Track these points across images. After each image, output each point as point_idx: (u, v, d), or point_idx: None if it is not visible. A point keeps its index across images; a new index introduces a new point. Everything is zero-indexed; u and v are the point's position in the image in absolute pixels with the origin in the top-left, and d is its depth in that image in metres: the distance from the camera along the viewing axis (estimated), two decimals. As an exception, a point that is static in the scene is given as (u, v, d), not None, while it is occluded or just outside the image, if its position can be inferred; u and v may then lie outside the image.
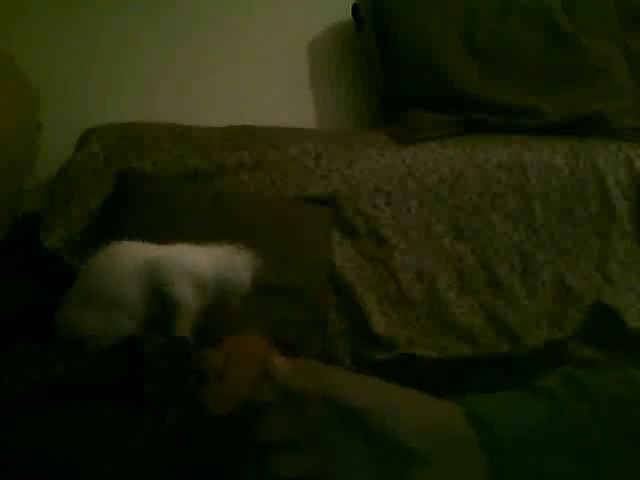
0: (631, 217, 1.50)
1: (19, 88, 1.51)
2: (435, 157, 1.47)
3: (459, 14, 1.63)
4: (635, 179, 1.51)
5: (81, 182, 1.32)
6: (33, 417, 0.73)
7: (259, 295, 1.02)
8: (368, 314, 1.32)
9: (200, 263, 0.95)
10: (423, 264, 1.40)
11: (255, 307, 1.01)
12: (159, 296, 0.94)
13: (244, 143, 1.42)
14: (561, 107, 1.57)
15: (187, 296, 0.92)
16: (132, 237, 1.16)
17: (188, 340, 0.90)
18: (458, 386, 0.56)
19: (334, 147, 1.46)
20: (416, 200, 1.43)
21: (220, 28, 1.67)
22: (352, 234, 1.39)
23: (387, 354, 1.29)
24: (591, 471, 0.33)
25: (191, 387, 0.76)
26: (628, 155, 1.53)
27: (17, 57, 1.48)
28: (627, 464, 0.33)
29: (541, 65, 1.62)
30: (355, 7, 1.66)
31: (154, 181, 1.31)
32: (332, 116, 1.74)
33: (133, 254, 0.98)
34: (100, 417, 0.74)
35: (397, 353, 1.30)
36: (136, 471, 0.65)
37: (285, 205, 1.36)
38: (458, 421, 0.34)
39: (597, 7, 1.69)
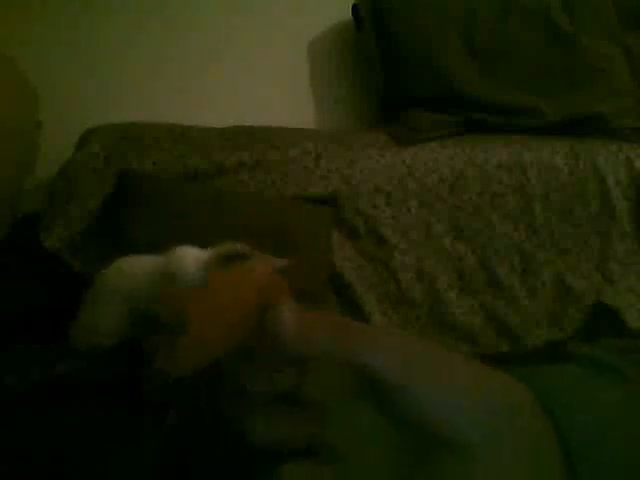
0: (631, 217, 1.50)
1: (19, 88, 1.51)
2: (435, 157, 1.47)
3: (459, 14, 1.63)
4: (635, 179, 1.51)
5: (81, 182, 1.32)
6: (33, 417, 0.73)
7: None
8: (368, 314, 1.32)
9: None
10: (423, 264, 1.40)
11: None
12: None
13: (244, 143, 1.42)
14: (561, 107, 1.57)
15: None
16: (132, 237, 1.16)
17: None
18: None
19: (334, 147, 1.46)
20: (416, 200, 1.43)
21: (220, 28, 1.67)
22: (352, 234, 1.40)
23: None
24: None
25: (191, 387, 0.76)
26: (628, 155, 1.53)
27: (17, 57, 1.48)
28: None
29: (541, 65, 1.62)
30: (355, 7, 1.66)
31: (154, 181, 1.31)
32: (332, 116, 1.74)
33: (141, 261, 0.99)
34: (100, 417, 0.74)
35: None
36: (136, 471, 0.65)
37: (285, 205, 1.36)
38: (528, 407, 0.26)
39: (597, 7, 1.69)
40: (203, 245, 0.99)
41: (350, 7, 1.66)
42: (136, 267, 0.98)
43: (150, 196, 1.26)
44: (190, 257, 0.94)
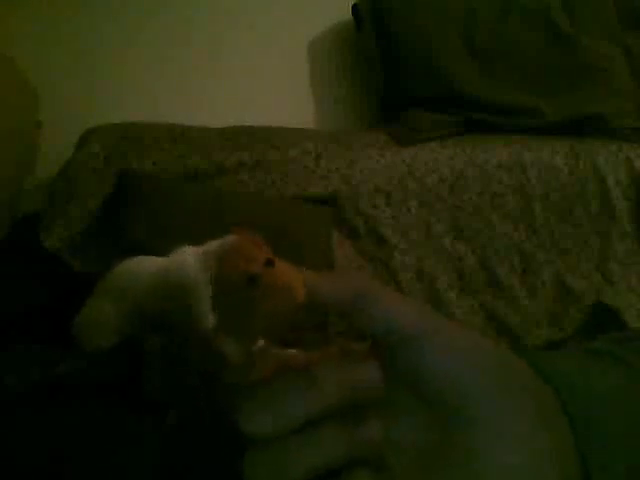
0: (631, 217, 1.50)
1: (19, 88, 1.51)
2: (435, 157, 1.47)
3: (459, 14, 1.63)
4: (635, 179, 1.51)
5: (81, 182, 1.32)
6: (33, 417, 0.73)
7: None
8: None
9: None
10: (423, 264, 1.40)
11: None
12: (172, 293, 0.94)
13: (244, 143, 1.42)
14: (561, 107, 1.57)
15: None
16: (132, 237, 1.16)
17: (188, 340, 0.90)
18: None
19: (334, 147, 1.46)
20: (416, 200, 1.43)
21: (220, 28, 1.67)
22: (352, 234, 1.40)
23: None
24: None
25: (191, 387, 0.76)
26: (628, 155, 1.53)
27: (17, 57, 1.48)
28: None
29: (541, 65, 1.62)
30: (355, 7, 1.66)
31: (154, 181, 1.31)
32: (332, 116, 1.73)
33: (149, 261, 0.99)
34: (100, 417, 0.74)
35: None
36: (136, 471, 0.65)
37: (285, 205, 1.36)
38: (525, 371, 0.27)
39: (597, 7, 1.69)
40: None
41: (350, 7, 1.66)
42: (140, 269, 0.98)
43: (150, 196, 1.26)
44: (190, 258, 0.94)
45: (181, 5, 1.67)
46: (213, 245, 0.94)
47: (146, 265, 0.98)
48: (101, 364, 0.83)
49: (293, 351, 0.27)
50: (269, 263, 0.27)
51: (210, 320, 0.90)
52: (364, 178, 1.42)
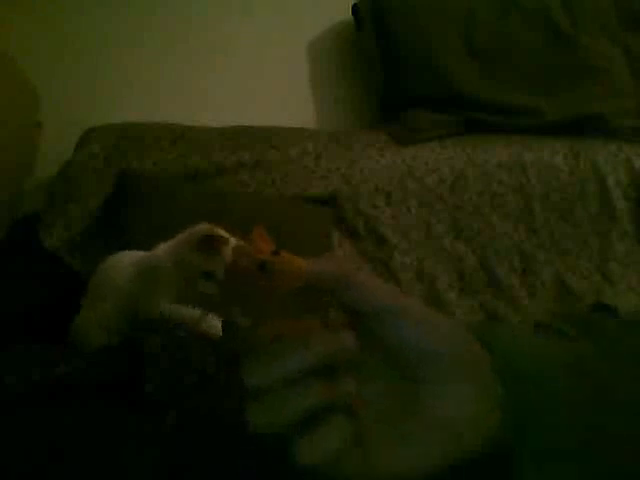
0: (631, 217, 1.50)
1: (19, 88, 1.51)
2: (435, 157, 1.47)
3: (459, 14, 1.63)
4: (635, 179, 1.51)
5: (81, 182, 1.32)
6: (33, 417, 0.73)
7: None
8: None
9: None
10: (423, 264, 1.40)
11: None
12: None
13: (244, 143, 1.42)
14: (561, 107, 1.57)
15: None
16: (132, 237, 1.16)
17: (188, 340, 0.90)
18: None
19: (334, 147, 1.46)
20: (416, 200, 1.43)
21: (220, 28, 1.67)
22: (352, 234, 1.40)
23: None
24: (603, 409, 0.33)
25: (191, 387, 0.76)
26: (628, 155, 1.53)
27: (17, 57, 1.48)
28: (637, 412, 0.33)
29: (541, 65, 1.62)
30: (355, 7, 1.66)
31: (154, 181, 1.31)
32: (332, 116, 1.73)
33: (129, 257, 1.00)
34: (100, 417, 0.74)
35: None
36: (136, 471, 0.65)
37: (285, 205, 1.36)
38: (473, 344, 0.33)
39: (597, 7, 1.69)
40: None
41: (350, 7, 1.66)
42: (123, 264, 0.98)
43: (150, 196, 1.26)
44: (160, 248, 0.96)
45: (181, 5, 1.67)
46: (179, 237, 0.96)
47: (127, 260, 0.99)
48: (101, 364, 0.83)
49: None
50: (275, 253, 0.34)
51: (159, 305, 0.89)
52: (364, 178, 1.42)
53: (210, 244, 0.89)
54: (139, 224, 1.21)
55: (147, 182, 1.29)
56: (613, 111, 1.58)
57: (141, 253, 1.00)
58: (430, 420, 0.31)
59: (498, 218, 1.45)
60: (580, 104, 1.58)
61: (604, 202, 1.49)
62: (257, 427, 0.30)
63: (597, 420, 0.33)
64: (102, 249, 1.23)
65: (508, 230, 1.45)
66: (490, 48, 1.62)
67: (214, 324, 0.87)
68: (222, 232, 0.91)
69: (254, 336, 0.32)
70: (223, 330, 0.83)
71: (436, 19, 1.62)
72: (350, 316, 0.33)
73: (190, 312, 0.91)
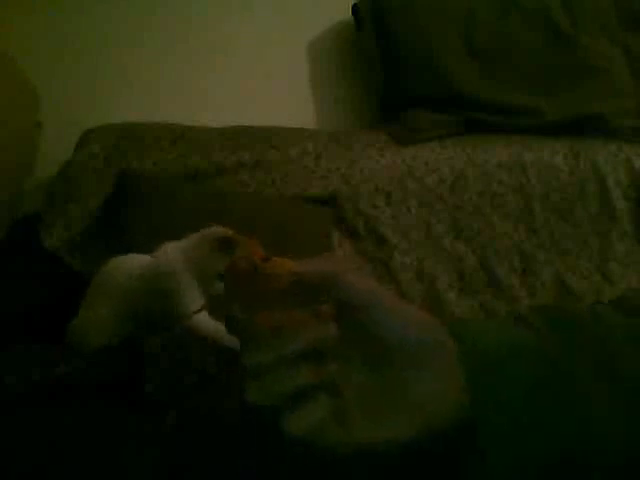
0: (631, 217, 1.50)
1: (19, 88, 1.51)
2: (435, 157, 1.47)
3: (459, 14, 1.63)
4: (635, 179, 1.51)
5: (81, 182, 1.32)
6: (33, 417, 0.73)
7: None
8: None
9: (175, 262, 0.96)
10: (423, 264, 1.40)
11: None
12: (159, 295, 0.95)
13: (244, 143, 1.42)
14: (561, 107, 1.57)
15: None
16: (132, 237, 1.16)
17: (188, 340, 0.90)
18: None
19: (334, 147, 1.46)
20: (416, 200, 1.43)
21: (220, 28, 1.67)
22: (352, 234, 1.39)
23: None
24: (560, 392, 0.38)
25: (191, 387, 0.76)
26: (628, 155, 1.53)
27: (17, 57, 1.48)
28: (592, 394, 0.38)
29: (541, 65, 1.62)
30: (355, 7, 1.66)
31: (154, 181, 1.31)
32: (332, 116, 1.73)
33: (133, 260, 1.00)
34: (100, 417, 0.74)
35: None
36: (136, 471, 0.65)
37: (285, 205, 1.36)
38: (441, 334, 0.39)
39: (597, 7, 1.69)
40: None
41: (350, 7, 1.66)
42: (127, 267, 0.98)
43: (150, 196, 1.26)
44: (173, 252, 0.95)
45: (181, 5, 1.67)
46: (193, 238, 0.96)
47: (133, 263, 0.99)
48: (101, 364, 0.83)
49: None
50: (265, 259, 0.41)
51: (192, 307, 0.90)
52: (364, 178, 1.42)
53: (228, 245, 0.89)
54: (139, 224, 1.21)
55: (147, 182, 1.29)
56: (613, 111, 1.58)
57: (146, 257, 0.99)
58: (403, 400, 0.36)
59: (498, 218, 1.45)
60: (580, 104, 1.58)
61: (604, 202, 1.49)
62: (255, 401, 0.36)
63: (552, 401, 0.37)
64: (102, 249, 1.23)
65: (508, 230, 1.45)
66: (490, 48, 1.62)
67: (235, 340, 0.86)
68: (234, 233, 0.91)
69: (252, 326, 0.37)
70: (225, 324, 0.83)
71: (436, 19, 1.62)
72: (337, 309, 0.38)
73: (218, 327, 0.89)
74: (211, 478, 0.63)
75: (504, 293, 1.40)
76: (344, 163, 1.43)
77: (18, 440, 0.68)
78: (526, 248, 1.44)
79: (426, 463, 0.37)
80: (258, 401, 0.36)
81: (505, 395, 0.37)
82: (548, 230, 1.46)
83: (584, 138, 1.55)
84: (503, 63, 1.62)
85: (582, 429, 0.36)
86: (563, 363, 0.38)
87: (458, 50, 1.60)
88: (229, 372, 0.79)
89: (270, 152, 1.41)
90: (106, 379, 0.80)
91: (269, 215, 1.30)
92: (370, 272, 1.37)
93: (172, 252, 0.96)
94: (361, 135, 1.54)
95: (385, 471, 0.36)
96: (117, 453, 0.68)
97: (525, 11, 1.65)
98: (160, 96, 1.62)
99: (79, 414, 0.73)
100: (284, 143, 1.44)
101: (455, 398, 0.36)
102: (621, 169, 1.51)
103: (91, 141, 1.36)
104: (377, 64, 1.62)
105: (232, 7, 1.69)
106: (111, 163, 1.33)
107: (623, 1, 1.69)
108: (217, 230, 0.94)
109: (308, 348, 0.36)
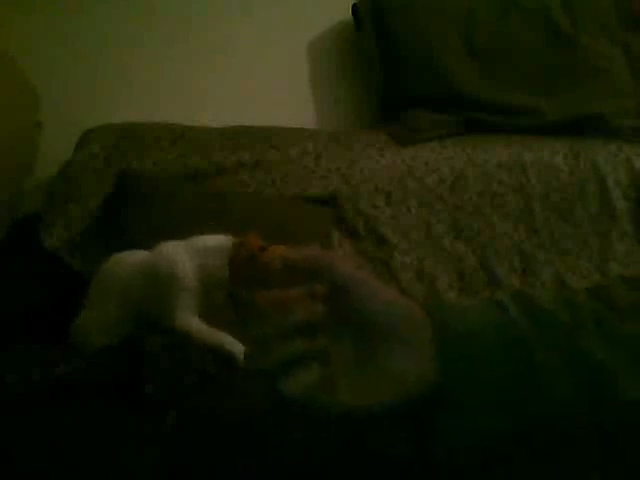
0: (631, 217, 1.50)
1: (19, 88, 1.51)
2: (435, 157, 1.47)
3: (459, 14, 1.63)
4: (635, 179, 1.51)
5: (81, 182, 1.32)
6: (33, 417, 0.73)
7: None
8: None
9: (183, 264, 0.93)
10: (423, 264, 1.40)
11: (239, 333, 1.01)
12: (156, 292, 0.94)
13: (244, 143, 1.42)
14: (561, 107, 1.57)
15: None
16: (132, 237, 1.16)
17: (188, 340, 0.90)
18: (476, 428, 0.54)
19: (334, 147, 1.46)
20: (416, 200, 1.43)
21: (220, 28, 1.67)
22: (352, 234, 1.39)
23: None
24: (527, 377, 0.42)
25: (191, 387, 0.76)
26: (628, 155, 1.53)
27: (17, 57, 1.48)
28: (560, 381, 0.42)
29: (541, 65, 1.62)
30: (355, 7, 1.66)
31: (154, 181, 1.31)
32: (332, 116, 1.73)
33: (133, 257, 0.99)
34: (100, 417, 0.74)
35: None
36: (136, 471, 0.65)
37: (285, 205, 1.36)
38: (418, 313, 0.44)
39: (597, 7, 1.69)
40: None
41: (350, 7, 1.66)
42: (129, 262, 0.98)
43: (150, 196, 1.26)
44: (179, 253, 0.93)
45: (181, 5, 1.67)
46: (205, 243, 0.93)
47: (134, 259, 0.98)
48: (101, 364, 0.83)
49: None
50: (262, 249, 0.48)
51: (181, 314, 0.89)
52: (364, 178, 1.42)
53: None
54: (139, 224, 1.21)
55: (147, 182, 1.29)
56: (613, 111, 1.58)
57: (146, 253, 0.98)
58: (383, 370, 0.42)
59: (498, 218, 1.45)
60: (580, 104, 1.58)
61: (604, 202, 1.49)
62: (258, 367, 0.42)
63: (516, 376, 0.42)
64: (102, 249, 1.23)
65: (508, 230, 1.45)
66: (490, 48, 1.62)
67: (238, 348, 0.84)
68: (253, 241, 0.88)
69: (254, 303, 0.42)
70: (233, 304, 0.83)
71: (436, 19, 1.62)
72: (328, 289, 0.43)
73: (215, 334, 0.88)
74: (211, 478, 0.63)
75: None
76: (344, 163, 1.43)
77: (18, 440, 0.68)
78: (526, 248, 1.44)
79: (403, 423, 0.45)
80: (260, 366, 0.42)
81: (472, 370, 0.42)
82: (548, 230, 1.46)
83: (584, 138, 1.55)
84: (503, 63, 1.62)
85: (546, 400, 0.42)
86: (530, 341, 0.43)
87: (458, 50, 1.60)
88: (229, 372, 0.79)
89: (270, 152, 1.41)
90: (106, 379, 0.80)
91: (269, 215, 1.30)
92: (370, 272, 1.37)
93: (175, 253, 0.94)
94: (361, 135, 1.54)
95: (368, 429, 0.47)
96: (117, 453, 0.68)
97: (525, 11, 1.65)
98: (160, 96, 1.62)
99: (79, 414, 0.73)
100: (284, 143, 1.44)
101: (427, 368, 0.42)
102: (621, 169, 1.51)
103: (91, 141, 1.36)
104: (377, 64, 1.62)
105: (232, 7, 1.69)
106: (111, 163, 1.33)
107: (623, 1, 1.69)
108: (229, 242, 0.90)
109: (303, 322, 0.42)
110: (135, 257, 0.99)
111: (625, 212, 1.50)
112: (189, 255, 0.93)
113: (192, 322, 0.90)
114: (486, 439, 0.43)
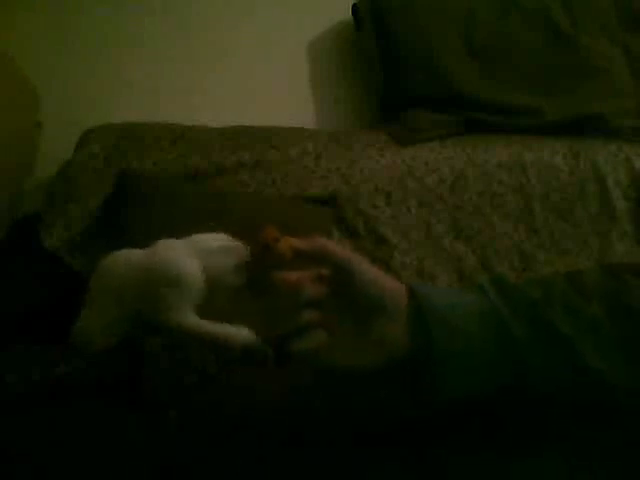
0: (631, 217, 1.50)
1: (19, 88, 1.51)
2: (435, 157, 1.47)
3: (459, 14, 1.63)
4: (635, 179, 1.51)
5: (81, 182, 1.32)
6: (33, 417, 0.73)
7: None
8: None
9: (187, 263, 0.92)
10: (423, 264, 1.40)
11: (256, 307, 1.01)
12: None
13: (244, 143, 1.42)
14: (561, 107, 1.57)
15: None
16: (132, 237, 1.16)
17: (188, 340, 0.89)
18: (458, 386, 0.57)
19: (334, 147, 1.46)
20: (416, 200, 1.43)
21: (220, 28, 1.67)
22: (352, 234, 1.39)
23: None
24: (501, 345, 0.50)
25: (191, 387, 0.76)
26: (628, 155, 1.53)
27: (17, 57, 1.48)
28: (530, 350, 0.50)
29: (541, 65, 1.62)
30: (355, 7, 1.66)
31: (154, 181, 1.31)
32: (332, 116, 1.73)
33: (130, 255, 0.98)
34: (100, 417, 0.74)
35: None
36: (136, 471, 0.65)
37: (285, 205, 1.36)
38: (403, 291, 0.54)
39: (597, 7, 1.69)
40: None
41: (350, 7, 1.66)
42: (126, 257, 0.97)
43: (150, 196, 1.26)
44: (175, 249, 0.91)
45: (181, 5, 1.67)
46: (209, 243, 0.91)
47: (132, 255, 0.97)
48: (101, 364, 0.83)
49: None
50: (276, 240, 0.55)
51: (176, 315, 0.88)
52: (364, 178, 1.42)
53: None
54: (139, 224, 1.21)
55: (147, 182, 1.29)
56: (613, 111, 1.58)
57: (143, 251, 0.97)
58: (373, 338, 0.52)
59: (498, 218, 1.45)
60: (580, 104, 1.58)
61: (604, 202, 1.49)
62: (275, 333, 0.53)
63: (491, 342, 0.51)
64: (102, 249, 1.22)
65: (508, 230, 1.45)
66: (490, 48, 1.62)
67: (244, 333, 0.82)
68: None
69: (272, 283, 0.53)
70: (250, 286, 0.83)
71: (436, 19, 1.62)
72: (332, 271, 0.53)
73: (217, 326, 0.86)
74: (211, 478, 0.63)
75: (504, 293, 1.39)
76: (344, 163, 1.43)
77: (18, 440, 0.68)
78: (526, 248, 1.44)
79: (390, 381, 0.56)
80: (277, 332, 0.52)
81: (453, 332, 0.50)
82: (548, 230, 1.46)
83: (584, 138, 1.55)
84: (503, 63, 1.62)
85: (518, 363, 0.50)
86: (503, 313, 0.51)
87: (458, 50, 1.60)
88: (229, 372, 0.79)
89: (270, 152, 1.41)
90: (106, 379, 0.80)
91: (269, 215, 1.29)
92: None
93: (173, 250, 0.92)
94: (361, 135, 1.54)
95: (362, 387, 0.60)
96: (117, 453, 0.68)
97: (525, 11, 1.65)
98: (160, 96, 1.62)
99: (79, 414, 0.73)
100: (284, 143, 1.44)
101: (409, 337, 0.52)
102: (621, 169, 1.51)
103: (91, 141, 1.36)
104: (377, 64, 1.62)
105: (232, 7, 1.69)
106: (111, 163, 1.33)
107: (623, 1, 1.69)
108: (240, 248, 0.89)
109: (313, 298, 0.52)
110: (132, 254, 0.98)
111: (625, 212, 1.50)
112: (190, 253, 0.92)
113: (191, 319, 0.89)
114: (469, 394, 0.51)
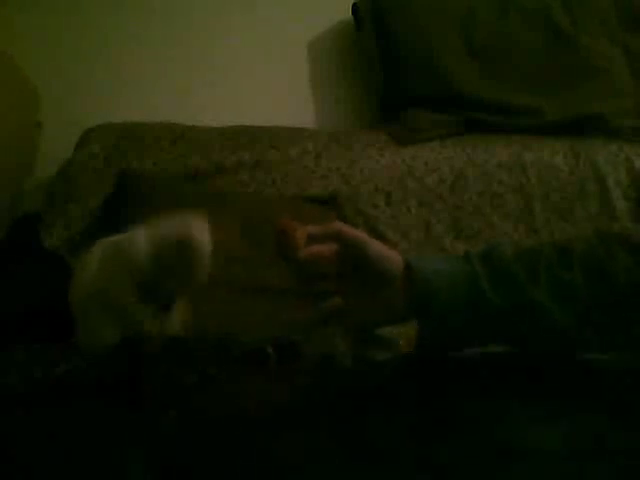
0: (631, 217, 1.50)
1: (19, 88, 1.51)
2: (435, 157, 1.47)
3: (459, 14, 1.63)
4: (635, 179, 1.51)
5: (81, 182, 1.32)
6: (34, 417, 0.73)
7: (260, 296, 1.01)
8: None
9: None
10: (423, 264, 1.40)
11: (256, 307, 1.01)
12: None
13: (244, 143, 1.42)
14: (561, 107, 1.57)
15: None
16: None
17: (189, 340, 0.89)
18: (459, 386, 0.57)
19: (334, 147, 1.46)
20: (416, 200, 1.43)
21: (220, 28, 1.67)
22: (352, 234, 1.39)
23: (387, 354, 1.29)
24: (486, 323, 0.58)
25: (191, 387, 0.76)
26: (628, 155, 1.53)
27: (17, 57, 1.48)
28: (506, 318, 0.57)
29: (541, 65, 1.62)
30: (355, 7, 1.66)
31: (154, 181, 1.31)
32: (332, 116, 1.73)
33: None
34: (100, 417, 0.74)
35: (398, 353, 1.30)
36: (136, 471, 0.65)
37: (285, 205, 1.36)
38: (400, 260, 0.64)
39: (597, 7, 1.69)
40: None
41: (350, 7, 1.66)
42: (88, 262, 0.95)
43: (150, 196, 1.26)
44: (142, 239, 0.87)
45: (181, 5, 1.67)
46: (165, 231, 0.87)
47: (91, 259, 0.94)
48: (101, 364, 0.83)
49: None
50: (293, 229, 0.64)
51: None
52: (364, 178, 1.42)
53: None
54: (139, 224, 1.21)
55: (147, 182, 1.29)
56: (613, 111, 1.58)
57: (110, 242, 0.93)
58: (380, 300, 0.62)
59: (498, 218, 1.45)
60: (580, 104, 1.58)
61: (604, 202, 1.49)
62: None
63: (472, 305, 0.58)
64: (102, 249, 1.23)
65: (508, 230, 1.45)
66: (490, 48, 1.62)
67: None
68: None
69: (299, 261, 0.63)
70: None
71: (436, 19, 1.62)
72: (341, 246, 0.61)
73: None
74: (211, 478, 0.63)
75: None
76: (344, 163, 1.43)
77: (18, 440, 0.68)
78: (526, 248, 1.44)
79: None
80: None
81: (438, 293, 0.59)
82: (548, 230, 1.46)
83: (584, 138, 1.55)
84: (503, 63, 1.62)
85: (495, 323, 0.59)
86: (483, 281, 0.57)
87: (458, 50, 1.60)
88: (229, 372, 0.79)
89: (270, 152, 1.41)
90: (106, 379, 0.80)
91: (269, 215, 1.29)
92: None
93: (132, 241, 0.87)
94: (361, 135, 1.54)
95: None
96: (117, 453, 0.68)
97: (525, 11, 1.65)
98: (160, 96, 1.62)
99: (79, 414, 0.73)
100: (284, 143, 1.44)
101: (403, 297, 0.62)
102: (621, 169, 1.51)
103: (91, 141, 1.36)
104: (377, 64, 1.62)
105: (232, 7, 1.69)
106: (111, 163, 1.33)
107: (623, 1, 1.69)
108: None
109: (330, 270, 0.62)
110: (100, 249, 0.95)
111: (625, 212, 1.50)
112: (146, 240, 0.86)
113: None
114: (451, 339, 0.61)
